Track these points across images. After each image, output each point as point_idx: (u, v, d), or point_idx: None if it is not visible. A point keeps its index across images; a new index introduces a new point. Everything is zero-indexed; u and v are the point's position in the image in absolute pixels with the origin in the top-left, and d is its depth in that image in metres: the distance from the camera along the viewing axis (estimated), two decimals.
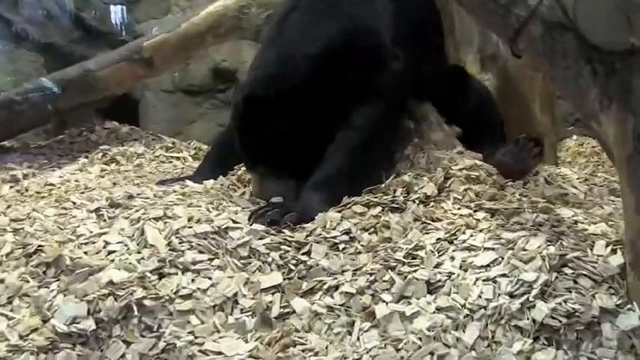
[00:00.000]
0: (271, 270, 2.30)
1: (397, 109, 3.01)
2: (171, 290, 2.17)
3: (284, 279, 2.26)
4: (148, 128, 5.91)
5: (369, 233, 2.48)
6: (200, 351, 2.03)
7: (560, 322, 1.95)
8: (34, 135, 5.58)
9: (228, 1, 4.90)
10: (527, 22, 2.10)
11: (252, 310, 2.15)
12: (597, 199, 2.99)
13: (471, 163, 2.87)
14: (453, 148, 3.14)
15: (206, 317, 2.13)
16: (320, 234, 2.45)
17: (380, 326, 2.06)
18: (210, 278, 2.24)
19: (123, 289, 2.12)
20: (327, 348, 2.03)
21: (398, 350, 1.99)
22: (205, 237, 2.39)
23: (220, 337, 2.07)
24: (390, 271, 2.23)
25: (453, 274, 2.18)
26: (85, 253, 2.35)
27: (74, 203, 2.84)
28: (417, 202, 2.65)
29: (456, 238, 2.36)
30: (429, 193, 2.68)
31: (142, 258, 2.29)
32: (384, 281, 2.20)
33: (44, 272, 2.25)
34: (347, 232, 2.46)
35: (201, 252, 2.33)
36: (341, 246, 2.41)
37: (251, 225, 2.50)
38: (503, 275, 2.11)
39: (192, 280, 2.22)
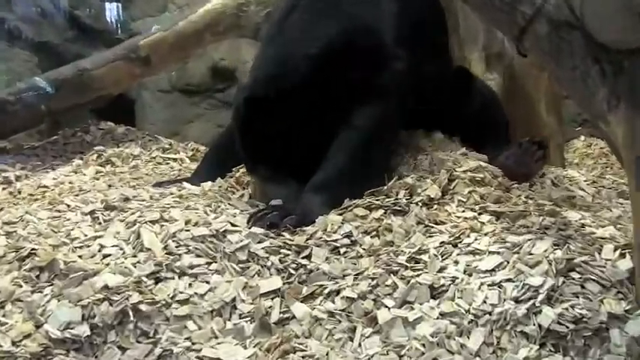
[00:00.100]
0: (270, 274, 2.30)
1: (399, 110, 3.00)
2: (168, 295, 2.17)
3: (284, 283, 2.25)
4: (144, 129, 5.92)
5: (371, 237, 2.48)
6: (197, 357, 2.03)
7: (567, 328, 1.95)
8: (28, 136, 5.59)
9: None
10: (533, 20, 2.10)
11: (250, 316, 2.15)
12: (605, 202, 2.99)
13: (476, 165, 2.87)
14: (456, 150, 3.14)
15: (204, 323, 2.13)
16: (320, 237, 2.45)
17: (382, 332, 2.06)
18: (207, 283, 2.24)
19: (118, 293, 2.12)
20: (327, 354, 2.03)
21: (400, 357, 1.99)
22: (203, 240, 2.39)
23: (218, 343, 2.07)
24: (392, 275, 2.23)
25: (457, 278, 2.18)
26: (80, 256, 2.35)
27: (68, 206, 2.84)
28: (420, 204, 2.64)
29: (460, 242, 2.36)
30: (432, 196, 2.68)
31: (138, 262, 2.29)
32: (387, 286, 2.20)
33: (37, 276, 2.25)
34: (348, 235, 2.46)
35: (198, 256, 2.33)
36: (342, 250, 2.41)
37: (250, 228, 2.50)
38: (509, 280, 2.11)
39: (190, 285, 2.22)
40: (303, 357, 2.03)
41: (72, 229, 2.55)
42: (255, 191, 3.00)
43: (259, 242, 2.41)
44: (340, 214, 2.59)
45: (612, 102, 1.97)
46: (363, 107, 2.86)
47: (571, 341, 1.95)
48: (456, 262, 2.26)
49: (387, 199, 2.67)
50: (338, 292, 2.21)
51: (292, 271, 2.30)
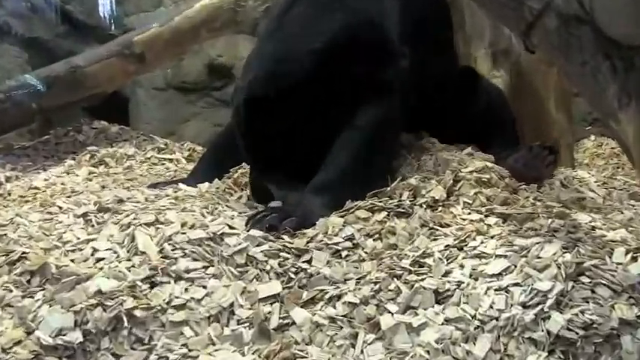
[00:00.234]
0: (270, 278, 2.30)
1: (403, 109, 3.00)
2: (164, 300, 2.16)
3: (283, 288, 2.25)
4: (138, 128, 5.94)
5: (374, 240, 2.48)
6: None
7: (577, 334, 1.95)
8: (18, 135, 5.60)
9: None
10: (541, 15, 2.11)
11: (249, 321, 2.15)
12: (616, 204, 2.99)
13: (482, 166, 2.87)
14: (461, 149, 3.14)
15: (200, 329, 2.12)
16: (321, 240, 2.44)
17: (385, 338, 2.05)
18: (204, 287, 2.24)
19: (112, 298, 2.12)
20: None
21: None
22: (200, 243, 2.39)
23: (216, 350, 2.07)
24: (395, 279, 2.23)
25: (463, 283, 2.18)
26: (72, 260, 2.35)
27: (60, 208, 2.85)
28: (424, 206, 2.65)
29: (466, 245, 2.36)
30: (437, 197, 2.68)
31: (133, 266, 2.29)
32: (390, 290, 2.20)
33: (28, 281, 2.25)
34: (350, 238, 2.46)
35: (195, 259, 2.33)
36: (344, 253, 2.41)
37: (248, 231, 2.50)
38: (516, 284, 2.11)
39: (186, 290, 2.22)
40: None
41: (64, 232, 2.55)
42: (252, 192, 3.00)
43: (258, 245, 2.41)
44: (342, 217, 2.59)
45: (623, 99, 1.97)
46: (365, 106, 2.86)
47: (581, 348, 1.94)
48: (462, 266, 2.26)
49: (390, 201, 2.67)
50: (339, 297, 2.21)
51: (292, 276, 2.30)
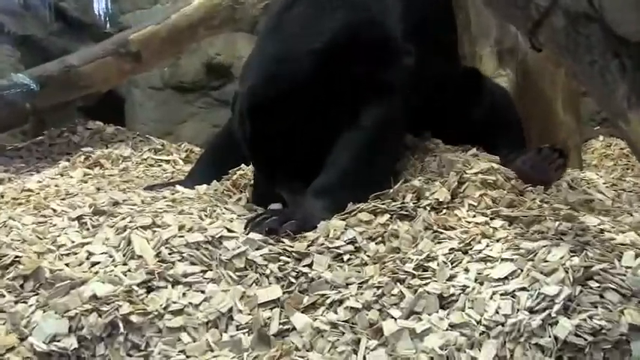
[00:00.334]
0: (269, 283, 2.30)
1: (407, 109, 3.00)
2: (161, 305, 2.17)
3: (283, 293, 2.25)
4: (134, 129, 5.94)
5: (376, 243, 2.48)
6: None
7: (585, 340, 1.95)
8: (11, 136, 5.61)
9: None
10: (549, 13, 2.11)
11: (248, 327, 2.15)
12: (626, 206, 2.99)
13: (487, 167, 2.87)
14: (466, 150, 3.15)
15: (198, 334, 2.13)
16: (322, 244, 2.45)
17: (388, 344, 2.06)
18: (202, 292, 2.24)
19: (108, 304, 2.12)
20: None
21: None
22: (198, 247, 2.39)
23: (214, 357, 2.07)
24: (398, 284, 2.23)
25: (468, 287, 2.18)
26: (67, 264, 2.35)
27: (54, 210, 2.85)
28: (428, 208, 2.65)
29: (471, 249, 2.37)
30: (441, 199, 2.68)
31: (129, 270, 2.29)
32: (393, 295, 2.20)
33: (21, 286, 2.25)
34: (352, 241, 2.46)
35: (193, 263, 2.33)
36: (345, 257, 2.41)
37: (247, 234, 2.50)
38: (523, 289, 2.11)
39: (184, 295, 2.22)
40: None
41: (58, 236, 2.55)
42: (259, 198, 3.00)
43: (257, 249, 2.41)
44: (343, 219, 2.59)
45: (632, 99, 1.97)
46: (368, 106, 2.85)
47: (589, 354, 1.94)
48: (467, 270, 2.26)
49: (393, 204, 2.67)
50: (341, 301, 2.21)
51: (292, 280, 2.30)
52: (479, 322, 2.05)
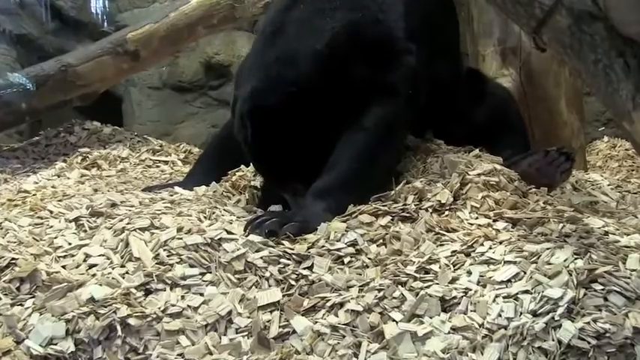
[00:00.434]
0: (269, 286, 2.30)
1: (410, 109, 3.00)
2: (159, 308, 2.17)
3: (283, 295, 2.25)
4: (132, 129, 5.96)
5: (378, 245, 2.48)
6: None
7: (589, 343, 1.95)
8: (7, 136, 5.61)
9: None
10: (553, 12, 2.12)
11: (248, 330, 2.15)
12: (630, 208, 3.00)
13: (490, 168, 2.87)
14: (469, 151, 3.15)
15: (197, 338, 2.13)
16: (323, 246, 2.45)
17: (389, 348, 2.06)
18: (201, 295, 2.24)
19: (105, 306, 2.13)
20: None
21: None
22: (196, 249, 2.39)
23: None
24: (400, 286, 2.24)
25: (470, 290, 2.18)
26: (64, 267, 2.36)
27: (51, 212, 2.85)
28: (430, 210, 2.65)
29: (474, 251, 2.37)
30: (443, 201, 2.68)
31: (127, 272, 2.30)
32: (394, 298, 2.20)
33: (18, 288, 2.25)
34: (353, 243, 2.46)
35: (191, 266, 2.33)
36: (346, 259, 2.41)
37: (247, 236, 2.50)
38: (526, 292, 2.11)
39: (182, 297, 2.23)
40: None
41: (55, 237, 2.55)
42: (263, 201, 3.01)
43: (257, 251, 2.41)
44: (344, 221, 2.59)
45: (637, 99, 1.98)
46: (370, 107, 2.85)
47: (593, 358, 1.95)
48: (469, 273, 2.26)
49: (395, 205, 2.68)
50: (342, 304, 2.21)
51: (292, 283, 2.30)
52: (481, 325, 2.06)
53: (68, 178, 4.13)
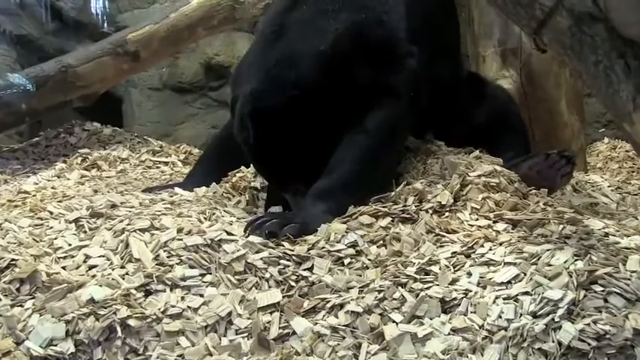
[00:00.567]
0: (269, 287, 2.30)
1: (411, 112, 3.00)
2: (159, 309, 2.17)
3: (283, 297, 2.25)
4: (132, 130, 5.97)
5: (378, 246, 2.48)
6: None
7: (589, 345, 1.95)
8: (7, 137, 5.61)
9: None
10: (553, 13, 2.12)
11: (248, 331, 2.15)
12: (631, 210, 3.00)
13: (490, 169, 2.87)
14: (469, 153, 3.15)
15: (197, 339, 2.13)
16: (323, 247, 2.45)
17: (389, 349, 2.06)
18: (201, 296, 2.24)
19: (105, 307, 2.13)
20: None
21: None
22: (196, 250, 2.39)
23: None
24: (400, 288, 2.24)
25: (470, 291, 2.18)
26: (64, 267, 2.36)
27: (51, 213, 2.85)
28: (430, 212, 2.65)
29: (474, 252, 2.37)
30: (443, 202, 2.69)
31: (127, 273, 2.30)
32: (394, 299, 2.20)
33: (18, 289, 2.25)
34: (353, 245, 2.46)
35: (191, 267, 2.34)
36: (346, 260, 2.41)
37: (247, 237, 2.50)
38: (526, 293, 2.12)
39: (182, 298, 2.23)
40: None
41: (55, 238, 2.56)
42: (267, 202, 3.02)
43: (257, 252, 2.41)
44: (344, 222, 2.59)
45: (637, 100, 1.98)
46: (372, 109, 2.85)
47: (593, 359, 1.95)
48: (469, 274, 2.26)
49: (395, 206, 2.68)
50: (342, 306, 2.21)
51: (292, 284, 2.31)
52: (481, 327, 2.06)
53: (68, 179, 4.13)
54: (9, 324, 2.10)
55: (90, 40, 6.29)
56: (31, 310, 2.15)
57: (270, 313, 2.20)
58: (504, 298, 2.12)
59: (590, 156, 5.30)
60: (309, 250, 2.44)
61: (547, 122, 4.06)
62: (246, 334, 2.15)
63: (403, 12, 3.04)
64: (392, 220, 2.61)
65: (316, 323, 2.16)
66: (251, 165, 3.20)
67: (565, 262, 2.19)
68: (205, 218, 2.71)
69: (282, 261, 2.38)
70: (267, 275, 2.33)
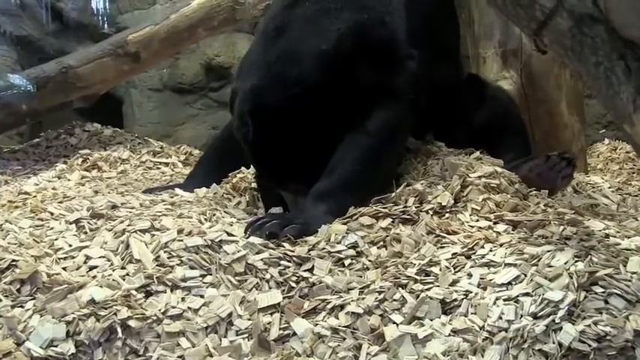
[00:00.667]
0: (270, 288, 2.30)
1: (412, 113, 2.99)
2: (159, 310, 2.17)
3: (284, 298, 2.25)
4: (133, 130, 5.96)
5: (378, 247, 2.48)
6: None
7: (590, 346, 1.95)
8: (7, 138, 5.61)
9: None
10: (553, 14, 2.12)
11: (248, 332, 2.15)
12: (631, 211, 3.00)
13: (491, 170, 2.87)
14: (469, 154, 3.15)
15: (197, 340, 2.13)
16: (324, 248, 2.45)
17: (390, 350, 2.06)
18: (202, 297, 2.24)
19: (106, 308, 2.13)
20: None
21: None
22: (197, 251, 2.39)
23: None
24: (400, 289, 2.24)
25: (471, 292, 2.18)
26: (64, 268, 2.36)
27: (52, 214, 2.85)
28: (430, 213, 2.65)
29: (474, 253, 2.37)
30: (444, 204, 2.68)
31: (127, 274, 2.30)
32: (395, 300, 2.20)
33: (18, 290, 2.25)
34: (353, 246, 2.46)
35: (192, 268, 2.34)
36: (347, 261, 2.41)
37: (247, 238, 2.50)
38: (526, 294, 2.12)
39: (183, 299, 2.23)
40: None
41: (55, 239, 2.56)
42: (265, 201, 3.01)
43: (257, 253, 2.41)
44: (345, 223, 2.59)
45: (638, 102, 1.98)
46: (372, 110, 2.85)
47: None
48: (470, 275, 2.26)
49: (395, 207, 2.68)
50: (342, 307, 2.21)
51: (293, 285, 2.31)
52: (482, 328, 2.06)
53: (69, 180, 4.13)
54: (9, 325, 2.10)
55: (90, 41, 6.29)
56: (32, 311, 2.15)
57: (271, 314, 2.20)
58: (505, 300, 2.12)
59: (591, 157, 5.30)
60: (309, 251, 2.44)
61: (547, 123, 4.05)
62: (247, 335, 2.14)
63: (404, 13, 3.04)
64: (392, 221, 2.61)
65: (317, 324, 2.16)
66: (251, 165, 3.20)
67: (565, 263, 2.19)
68: (206, 219, 2.71)
69: (282, 262, 2.38)
70: (268, 276, 2.33)
